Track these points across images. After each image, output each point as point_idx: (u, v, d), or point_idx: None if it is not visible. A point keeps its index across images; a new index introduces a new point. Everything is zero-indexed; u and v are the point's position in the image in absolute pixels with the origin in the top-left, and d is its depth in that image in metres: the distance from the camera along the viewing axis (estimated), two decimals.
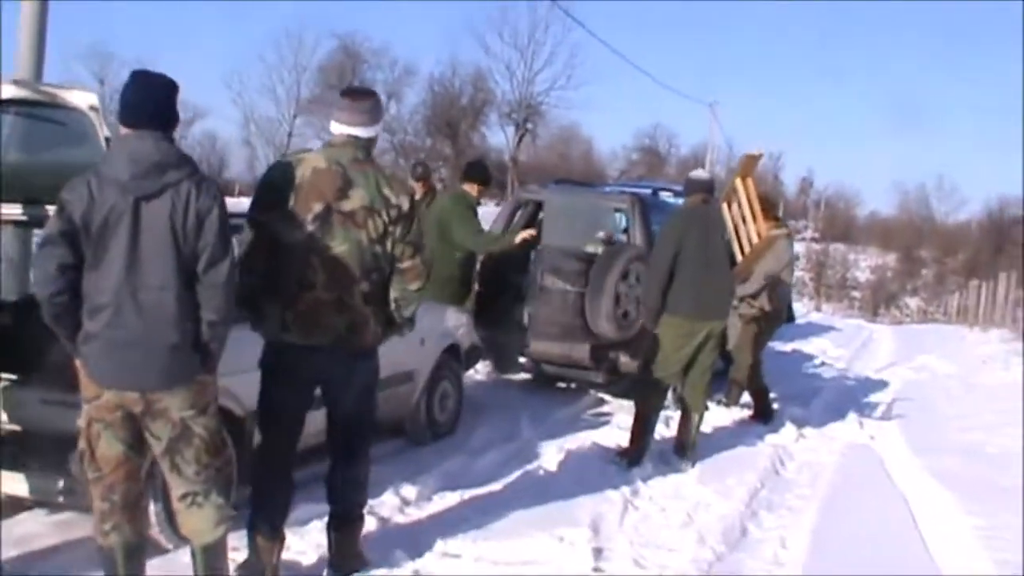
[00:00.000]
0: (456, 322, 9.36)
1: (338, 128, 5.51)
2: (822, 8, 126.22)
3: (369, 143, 5.55)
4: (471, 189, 10.40)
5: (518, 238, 10.08)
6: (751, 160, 9.09)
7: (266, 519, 5.59)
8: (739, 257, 8.87)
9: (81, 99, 5.49)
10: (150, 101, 4.73)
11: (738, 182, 8.91)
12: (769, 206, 10.74)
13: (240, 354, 5.98)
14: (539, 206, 12.59)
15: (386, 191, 5.40)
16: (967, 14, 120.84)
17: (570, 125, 74.33)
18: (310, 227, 5.31)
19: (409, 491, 7.16)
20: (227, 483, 5.11)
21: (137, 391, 4.69)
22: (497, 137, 68.40)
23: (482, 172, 10.68)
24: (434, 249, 9.52)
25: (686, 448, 8.75)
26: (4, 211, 6.41)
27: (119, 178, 4.59)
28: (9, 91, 5.39)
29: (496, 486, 7.59)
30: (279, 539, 5.65)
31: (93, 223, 4.59)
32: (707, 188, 8.79)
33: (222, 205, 4.76)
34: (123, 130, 4.75)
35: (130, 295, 4.59)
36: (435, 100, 66.39)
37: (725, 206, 8.99)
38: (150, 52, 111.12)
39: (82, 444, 4.87)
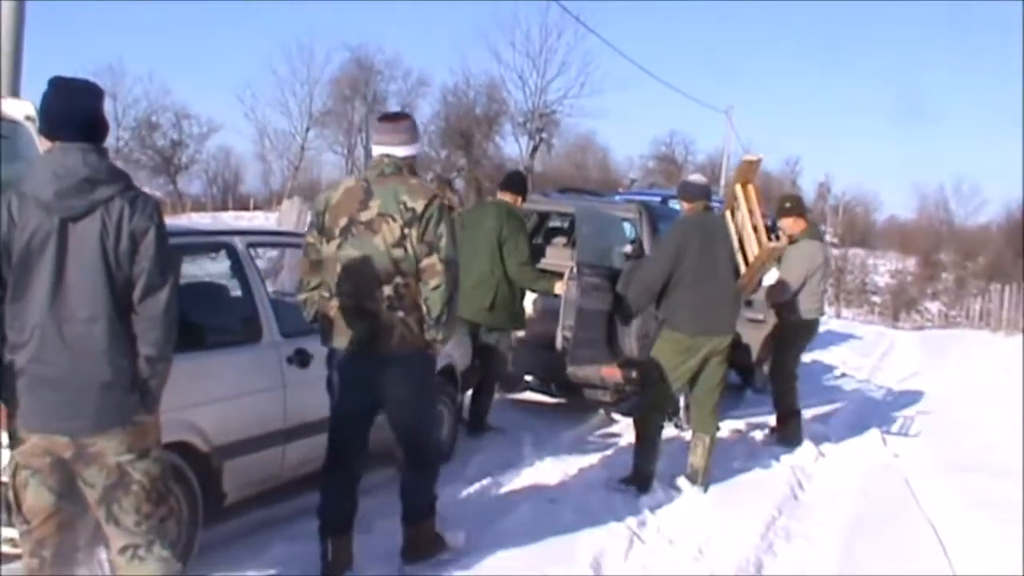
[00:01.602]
0: (452, 343, 8.81)
1: (375, 149, 5.90)
2: (833, 8, 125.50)
3: (404, 161, 5.82)
4: (513, 201, 9.76)
5: (556, 287, 9.45)
6: (749, 165, 8.51)
7: (332, 518, 5.99)
8: (743, 268, 8.30)
9: (16, 109, 5.01)
10: (74, 110, 4.26)
11: (738, 189, 8.34)
12: (796, 204, 10.73)
13: (203, 384, 5.73)
14: (543, 217, 12.18)
15: (403, 196, 5.64)
16: (980, 11, 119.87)
17: (586, 134, 74.07)
18: (337, 239, 5.72)
19: (394, 526, 6.63)
20: (173, 533, 4.63)
21: (65, 435, 4.19)
22: (512, 147, 67.97)
23: (522, 183, 10.09)
24: (492, 269, 9.27)
25: (698, 473, 8.24)
26: None
27: (42, 197, 4.12)
28: None
29: (490, 520, 7.06)
30: (348, 536, 6.02)
31: (14, 248, 4.13)
32: (707, 194, 8.38)
33: (160, 225, 4.27)
34: (44, 143, 4.28)
35: (55, 328, 4.13)
36: (449, 111, 66.10)
37: (728, 214, 8.42)
38: (161, 66, 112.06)
39: (8, 494, 4.38)
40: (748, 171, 8.49)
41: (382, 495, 7.38)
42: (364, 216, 5.67)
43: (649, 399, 8.28)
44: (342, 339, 5.77)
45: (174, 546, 4.68)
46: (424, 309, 5.68)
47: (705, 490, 8.12)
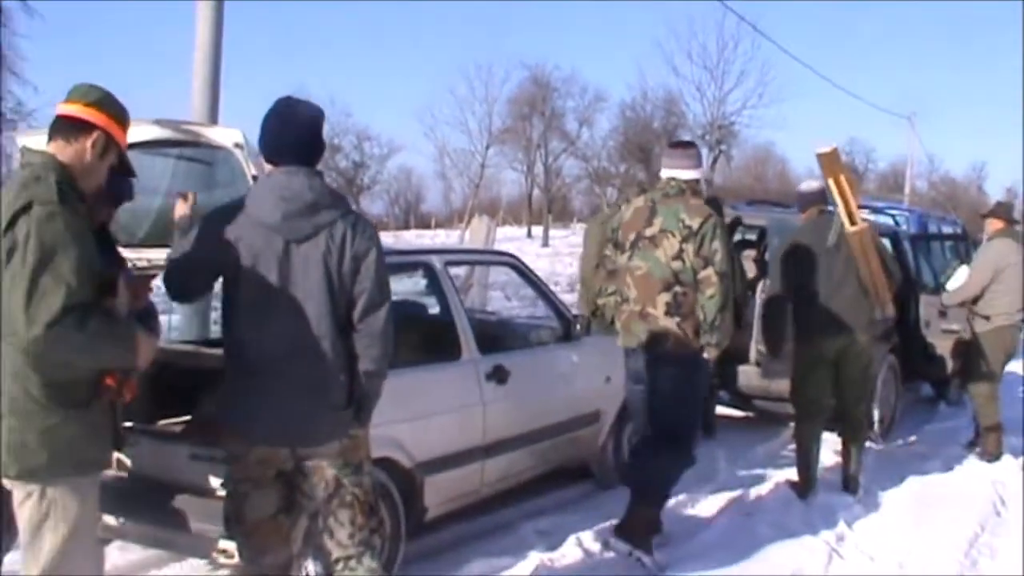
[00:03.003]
0: None
1: (663, 172, 6.66)
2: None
3: (687, 184, 6.53)
4: None
5: None
6: (824, 157, 8.12)
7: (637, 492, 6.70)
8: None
9: (226, 136, 5.14)
10: (297, 134, 4.40)
11: (831, 183, 8.04)
12: (999, 208, 10.67)
13: (406, 401, 5.80)
14: (731, 230, 12.09)
15: (682, 215, 6.37)
16: None
17: (764, 145, 72.94)
18: (627, 252, 6.56)
19: (593, 541, 6.68)
20: (381, 546, 4.75)
21: (287, 446, 4.36)
22: None
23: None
24: None
25: (849, 481, 8.31)
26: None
27: (268, 220, 4.28)
28: (152, 132, 5.08)
29: (687, 534, 7.08)
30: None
31: (240, 266, 4.30)
32: (821, 199, 8.28)
33: (379, 247, 4.42)
34: (266, 166, 4.42)
35: (279, 345, 4.30)
36: (627, 126, 65.52)
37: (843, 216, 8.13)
38: (342, 90, 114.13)
39: (227, 506, 4.55)
40: (829, 163, 8.14)
41: (575, 510, 7.48)
42: (649, 232, 6.47)
43: (796, 410, 8.34)
44: (629, 339, 6.58)
45: (381, 558, 4.80)
46: (700, 316, 6.35)
47: (857, 498, 8.11)
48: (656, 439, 6.64)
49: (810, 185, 8.48)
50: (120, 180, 4.49)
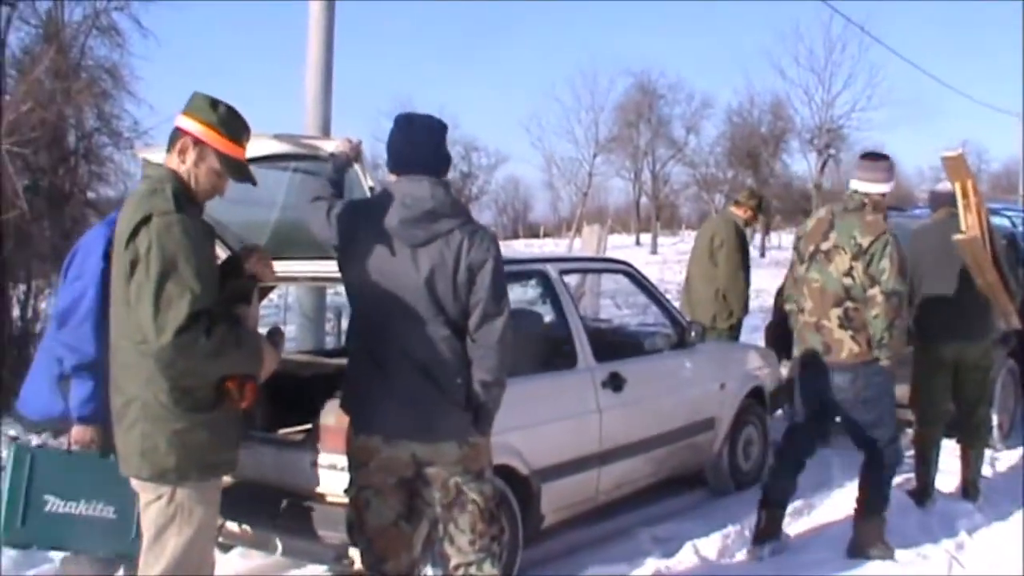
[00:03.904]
0: (760, 363, 8.81)
1: (851, 183, 6.77)
2: None
3: (870, 197, 6.55)
4: None
5: None
6: (950, 161, 7.92)
7: (771, 493, 6.92)
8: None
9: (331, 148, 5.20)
10: (420, 146, 4.49)
11: (957, 188, 7.84)
12: None
13: (523, 409, 5.84)
14: None
15: (855, 232, 6.44)
16: None
17: (873, 147, 71.80)
18: (805, 263, 6.69)
19: (709, 547, 6.71)
20: (500, 554, 4.80)
21: (408, 439, 4.43)
22: (799, 165, 66.26)
23: None
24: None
25: (968, 488, 8.21)
26: (301, 269, 6.25)
27: (389, 223, 4.38)
28: (271, 146, 5.17)
29: (802, 543, 7.06)
30: (779, 512, 6.95)
31: (362, 265, 4.43)
32: (953, 200, 7.95)
33: (497, 257, 4.45)
34: (391, 177, 4.52)
35: (397, 344, 4.40)
36: (734, 131, 64.96)
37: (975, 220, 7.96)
38: (450, 101, 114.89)
39: (350, 513, 4.65)
40: (954, 167, 7.94)
41: (691, 517, 7.49)
42: (824, 245, 6.58)
43: (916, 415, 8.26)
44: (803, 349, 6.71)
45: (501, 565, 4.84)
46: (871, 330, 6.39)
47: (978, 507, 7.94)
48: (865, 456, 6.85)
49: (945, 185, 8.38)
50: None
